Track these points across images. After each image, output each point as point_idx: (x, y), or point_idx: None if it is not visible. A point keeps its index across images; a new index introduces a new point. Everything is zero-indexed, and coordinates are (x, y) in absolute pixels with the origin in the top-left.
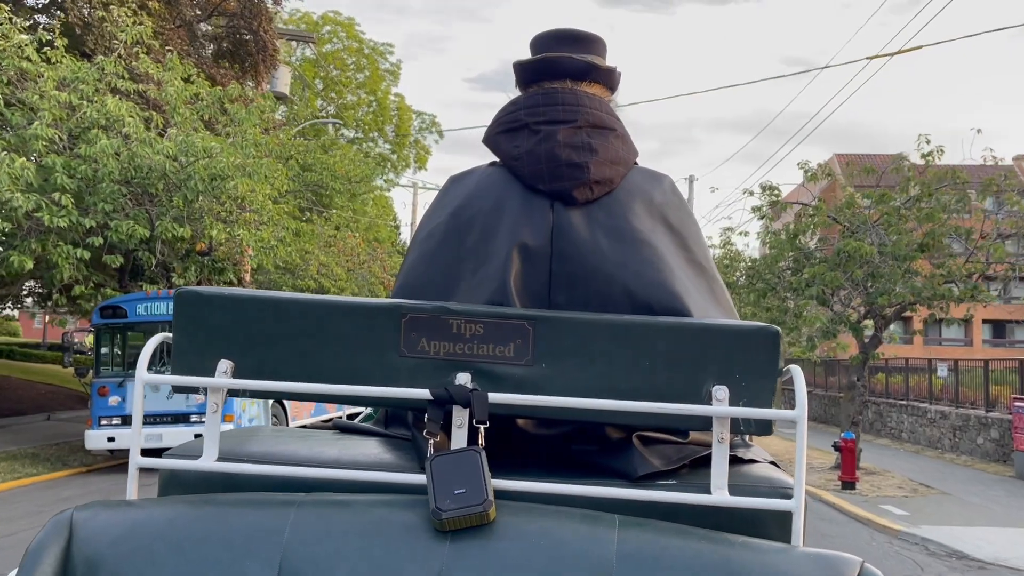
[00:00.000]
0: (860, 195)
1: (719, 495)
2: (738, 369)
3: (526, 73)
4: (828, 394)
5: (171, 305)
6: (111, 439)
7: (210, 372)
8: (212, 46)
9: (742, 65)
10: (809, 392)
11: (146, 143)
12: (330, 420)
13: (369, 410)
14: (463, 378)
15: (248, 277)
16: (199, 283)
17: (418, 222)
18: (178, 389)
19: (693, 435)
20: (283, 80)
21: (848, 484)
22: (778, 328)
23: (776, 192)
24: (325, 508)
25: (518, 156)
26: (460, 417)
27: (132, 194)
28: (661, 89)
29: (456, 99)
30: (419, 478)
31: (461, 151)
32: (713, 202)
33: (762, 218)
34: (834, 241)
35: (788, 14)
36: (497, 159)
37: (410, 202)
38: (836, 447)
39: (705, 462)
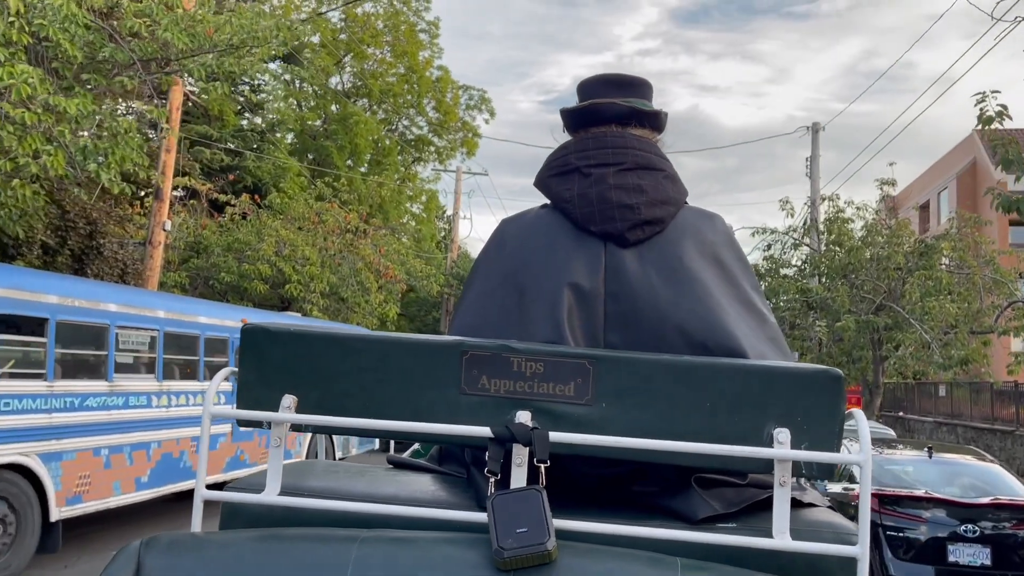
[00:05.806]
0: None
1: (782, 539)
2: (800, 412)
3: (573, 119)
4: (1002, 429)
5: None
6: None
7: (274, 406)
8: None
9: (821, 78)
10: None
11: None
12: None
13: (417, 446)
14: (523, 416)
15: (158, 261)
16: None
17: (458, 232)
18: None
19: (752, 477)
20: None
21: None
22: (840, 372)
23: None
24: (387, 544)
25: (570, 199)
26: (520, 456)
27: None
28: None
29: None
30: (480, 516)
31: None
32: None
33: None
34: None
35: (869, 27)
36: (548, 201)
37: (452, 190)
38: None
39: (764, 505)
